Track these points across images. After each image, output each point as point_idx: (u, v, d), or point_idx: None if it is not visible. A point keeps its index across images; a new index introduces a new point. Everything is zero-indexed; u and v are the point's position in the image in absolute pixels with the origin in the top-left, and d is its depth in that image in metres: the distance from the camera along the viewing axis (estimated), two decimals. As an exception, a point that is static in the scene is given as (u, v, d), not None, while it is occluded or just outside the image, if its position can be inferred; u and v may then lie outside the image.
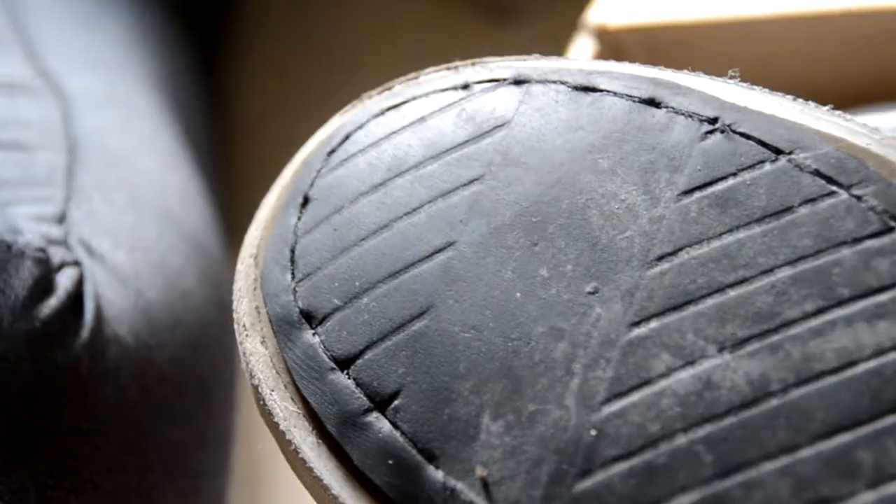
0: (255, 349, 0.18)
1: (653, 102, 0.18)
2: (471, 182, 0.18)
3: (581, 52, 0.29)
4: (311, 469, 0.17)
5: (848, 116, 0.17)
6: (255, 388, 0.18)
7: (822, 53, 0.28)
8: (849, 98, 0.28)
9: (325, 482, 0.17)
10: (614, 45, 0.29)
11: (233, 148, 0.50)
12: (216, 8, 0.51)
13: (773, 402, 0.15)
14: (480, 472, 0.16)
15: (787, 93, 0.18)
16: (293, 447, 0.17)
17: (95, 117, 0.25)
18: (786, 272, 0.16)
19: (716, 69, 0.19)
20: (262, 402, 0.18)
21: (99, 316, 0.20)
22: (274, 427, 0.18)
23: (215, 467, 0.26)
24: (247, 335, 0.18)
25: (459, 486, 0.16)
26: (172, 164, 0.27)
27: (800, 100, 0.17)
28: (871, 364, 0.15)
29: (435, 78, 0.19)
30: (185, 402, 0.19)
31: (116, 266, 0.22)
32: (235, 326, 0.18)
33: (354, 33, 0.53)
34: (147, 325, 0.22)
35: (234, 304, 0.19)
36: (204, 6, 0.47)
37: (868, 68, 0.28)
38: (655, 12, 0.28)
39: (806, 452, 0.15)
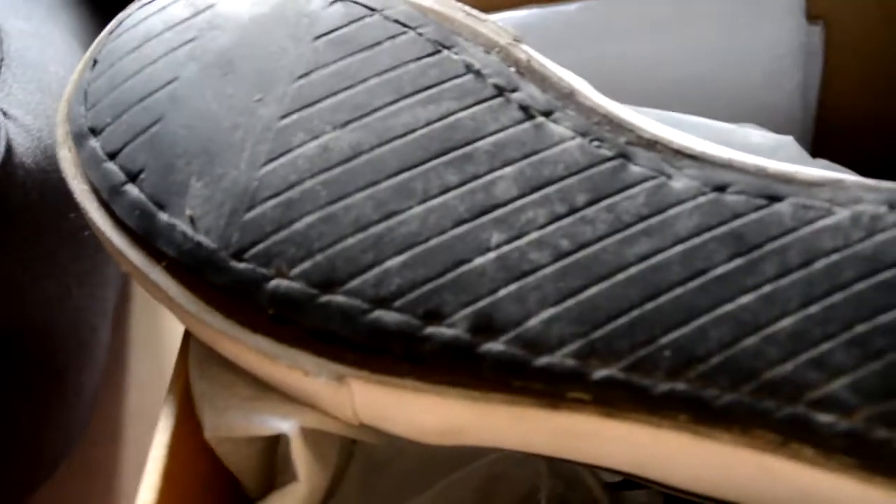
0: (64, 155, 0.27)
1: None
2: (189, 41, 0.27)
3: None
4: (98, 228, 0.26)
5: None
6: (64, 178, 0.27)
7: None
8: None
9: (106, 235, 0.26)
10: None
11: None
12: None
13: (364, 157, 0.25)
14: (189, 212, 0.25)
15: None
16: (88, 214, 0.26)
17: (21, 43, 0.36)
18: (374, 81, 0.25)
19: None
20: (69, 185, 0.26)
21: (10, 150, 0.30)
22: (78, 202, 0.26)
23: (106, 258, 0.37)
24: (60, 145, 0.27)
25: (177, 221, 0.25)
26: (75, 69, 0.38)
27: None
28: (425, 130, 0.25)
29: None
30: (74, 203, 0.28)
31: (25, 124, 0.33)
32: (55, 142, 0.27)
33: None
34: (45, 158, 0.33)
35: (56, 129, 0.27)
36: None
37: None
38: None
39: (384, 184, 0.24)
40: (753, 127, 0.35)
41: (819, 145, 0.40)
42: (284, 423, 0.25)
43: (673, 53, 0.37)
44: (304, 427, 0.25)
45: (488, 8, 0.35)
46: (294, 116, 0.25)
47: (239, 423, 0.25)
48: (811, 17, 0.37)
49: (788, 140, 0.35)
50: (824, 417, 0.21)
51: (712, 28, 0.37)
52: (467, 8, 0.26)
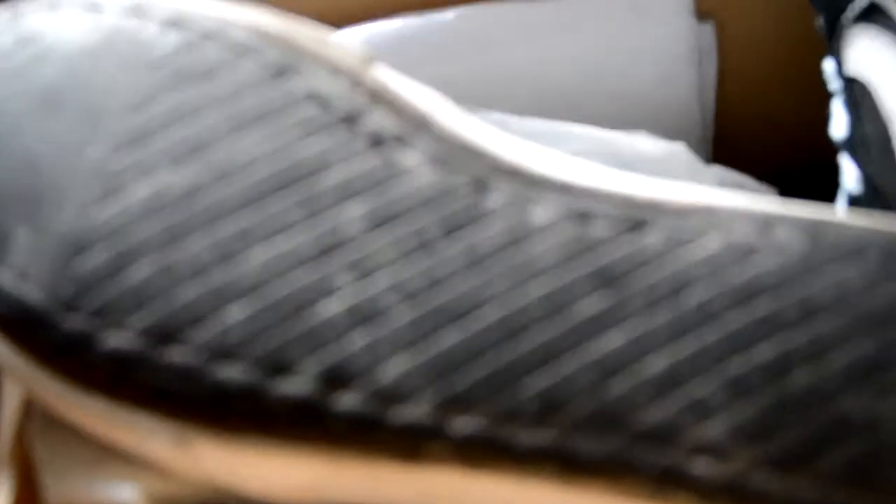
0: None
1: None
2: (10, 77, 0.25)
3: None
4: None
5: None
6: None
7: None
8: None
9: None
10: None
11: None
12: None
13: (202, 196, 0.23)
14: (13, 264, 0.22)
15: None
16: None
17: None
18: (212, 112, 0.23)
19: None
20: None
21: None
22: None
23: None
24: None
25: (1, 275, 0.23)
26: None
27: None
28: (266, 164, 0.23)
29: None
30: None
31: None
32: None
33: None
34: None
35: None
36: None
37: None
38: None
39: (224, 226, 0.22)
40: (644, 134, 0.34)
41: (719, 147, 0.39)
42: (128, 490, 0.23)
43: (559, 60, 0.35)
44: (153, 494, 0.23)
45: (357, 18, 0.33)
46: (126, 154, 0.23)
47: (81, 490, 0.23)
48: (701, 15, 0.36)
49: (680, 148, 0.33)
50: (700, 464, 0.20)
51: (597, 33, 0.35)
52: (312, 28, 0.24)
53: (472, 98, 0.34)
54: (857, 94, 0.30)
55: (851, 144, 0.31)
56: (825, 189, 0.36)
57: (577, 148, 0.33)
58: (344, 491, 0.22)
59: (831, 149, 0.34)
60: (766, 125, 0.39)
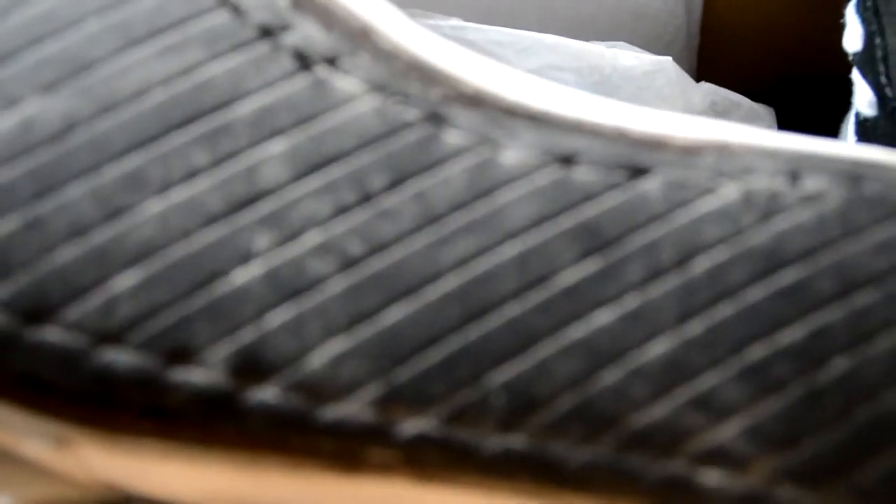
0: None
1: None
2: None
3: None
4: None
5: None
6: None
7: None
8: None
9: None
10: None
11: None
12: None
13: (80, 133, 0.18)
14: None
15: None
16: None
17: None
18: (93, 22, 0.18)
19: None
20: None
21: None
22: None
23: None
24: None
25: None
26: None
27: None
28: (164, 90, 0.18)
29: None
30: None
31: None
32: None
33: None
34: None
35: None
36: None
37: None
38: None
39: (108, 171, 0.17)
40: (625, 46, 0.29)
41: (704, 61, 0.34)
42: (1, 498, 0.18)
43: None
44: (34, 500, 0.19)
45: None
46: (-20, 78, 0.18)
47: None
48: None
49: (667, 61, 0.29)
50: (712, 475, 0.15)
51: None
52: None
53: (423, 2, 0.29)
54: (880, 1, 0.26)
55: (867, 60, 0.27)
56: (826, 112, 0.32)
57: (548, 61, 0.28)
58: (265, 499, 0.18)
59: (834, 63, 0.30)
60: (755, 37, 0.35)
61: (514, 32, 0.28)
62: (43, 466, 0.19)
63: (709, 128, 0.18)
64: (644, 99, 0.29)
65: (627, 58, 0.29)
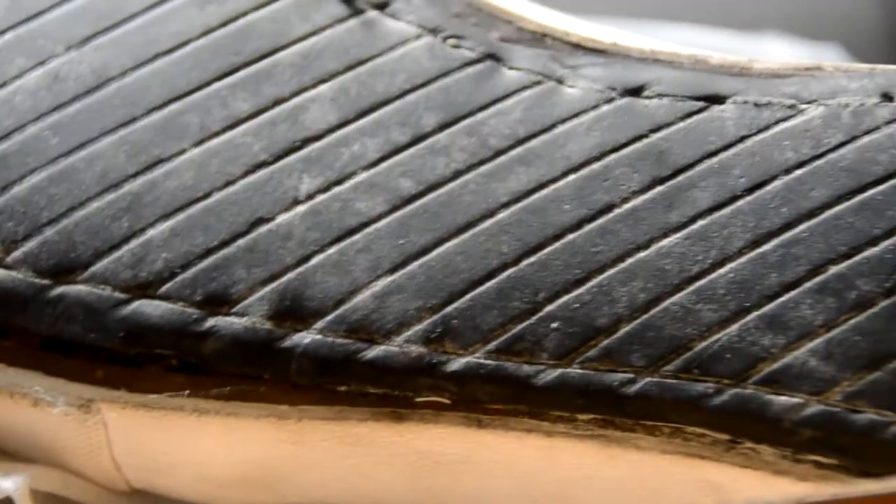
0: None
1: None
2: None
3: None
4: None
5: None
6: None
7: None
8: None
9: None
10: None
11: None
12: None
13: (113, 86, 0.17)
14: None
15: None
16: None
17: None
18: None
19: None
20: None
21: None
22: None
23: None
24: None
25: None
26: None
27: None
28: (203, 41, 0.17)
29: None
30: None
31: None
32: None
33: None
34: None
35: None
36: None
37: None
38: None
39: (143, 122, 0.17)
40: (775, 34, 0.26)
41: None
42: (7, 482, 0.17)
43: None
44: (38, 490, 0.17)
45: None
46: (8, 35, 0.17)
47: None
48: None
49: (830, 49, 0.26)
50: (785, 400, 0.14)
51: None
52: None
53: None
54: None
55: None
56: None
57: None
58: (307, 473, 0.17)
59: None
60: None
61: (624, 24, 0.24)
62: (56, 449, 0.17)
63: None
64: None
65: (777, 47, 0.25)
